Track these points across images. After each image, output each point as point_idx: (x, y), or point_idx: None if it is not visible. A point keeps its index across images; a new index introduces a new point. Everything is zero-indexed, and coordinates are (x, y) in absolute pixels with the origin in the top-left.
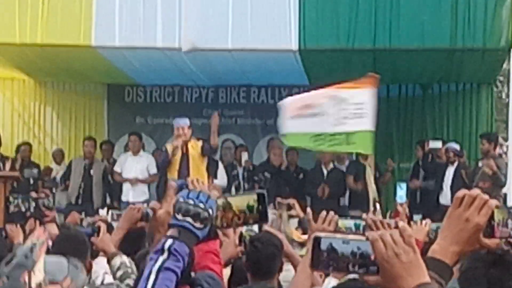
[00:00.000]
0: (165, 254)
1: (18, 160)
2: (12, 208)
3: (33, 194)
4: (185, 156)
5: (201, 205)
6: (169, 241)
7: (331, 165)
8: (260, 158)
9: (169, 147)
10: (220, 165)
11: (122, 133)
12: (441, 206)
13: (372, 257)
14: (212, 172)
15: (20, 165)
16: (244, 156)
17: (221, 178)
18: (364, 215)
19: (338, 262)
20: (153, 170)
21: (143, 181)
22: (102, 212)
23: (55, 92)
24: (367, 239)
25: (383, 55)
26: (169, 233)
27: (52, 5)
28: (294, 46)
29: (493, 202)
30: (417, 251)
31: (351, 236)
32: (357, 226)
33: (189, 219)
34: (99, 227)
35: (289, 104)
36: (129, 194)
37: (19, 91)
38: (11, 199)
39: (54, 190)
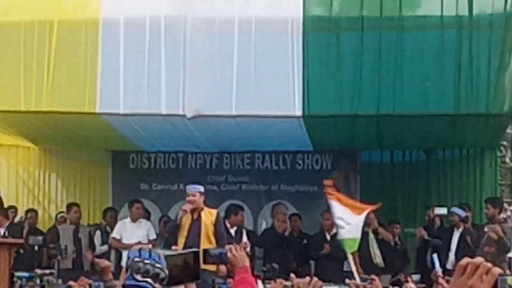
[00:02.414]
0: None
1: (25, 227)
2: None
3: (38, 271)
4: (196, 222)
5: (158, 265)
6: None
7: (334, 230)
8: (264, 224)
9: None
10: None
11: (127, 199)
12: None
13: None
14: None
15: (26, 232)
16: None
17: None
18: (347, 280)
19: None
20: (153, 236)
21: (145, 246)
22: None
23: (60, 159)
24: None
25: (387, 120)
26: None
27: (57, 72)
28: (298, 112)
29: (497, 270)
30: None
31: None
32: None
33: (149, 279)
34: None
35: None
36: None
37: (24, 159)
38: (15, 278)
39: (59, 257)
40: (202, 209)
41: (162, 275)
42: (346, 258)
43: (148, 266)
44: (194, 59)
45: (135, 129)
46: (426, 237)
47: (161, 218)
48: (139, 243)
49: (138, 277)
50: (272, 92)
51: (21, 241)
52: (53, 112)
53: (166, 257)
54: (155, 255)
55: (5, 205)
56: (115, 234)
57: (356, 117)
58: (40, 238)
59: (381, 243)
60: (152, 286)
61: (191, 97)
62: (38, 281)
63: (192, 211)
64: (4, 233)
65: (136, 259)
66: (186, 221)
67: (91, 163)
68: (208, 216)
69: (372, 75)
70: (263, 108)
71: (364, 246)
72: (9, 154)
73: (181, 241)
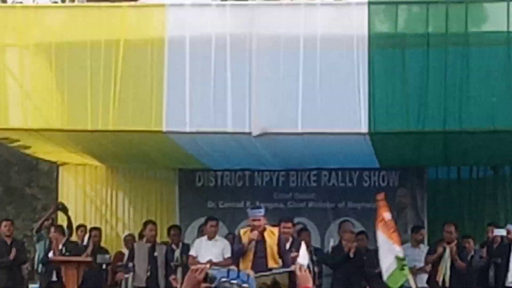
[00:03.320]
0: None
1: (90, 246)
2: None
3: None
4: (261, 244)
5: (245, 285)
6: None
7: None
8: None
9: (242, 233)
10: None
11: (194, 217)
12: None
13: None
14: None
15: (91, 250)
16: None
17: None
18: None
19: None
20: (228, 254)
21: (219, 264)
22: None
23: (127, 177)
24: None
25: (453, 137)
26: None
27: (123, 91)
28: (364, 129)
29: None
30: None
31: None
32: None
33: None
34: None
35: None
36: None
37: (91, 177)
38: None
39: (126, 276)
40: (264, 229)
41: None
42: None
43: (235, 287)
44: (260, 77)
45: (201, 147)
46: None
47: (227, 235)
48: (210, 261)
49: None
50: (338, 109)
51: (89, 259)
52: (119, 131)
53: (258, 277)
54: (243, 276)
55: (74, 223)
56: (192, 252)
57: (423, 134)
58: (107, 256)
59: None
60: None
61: (257, 115)
62: None
63: (251, 240)
64: (61, 250)
65: (223, 279)
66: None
67: (158, 181)
68: (271, 235)
69: (438, 92)
70: (329, 125)
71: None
72: (76, 172)
73: (247, 264)
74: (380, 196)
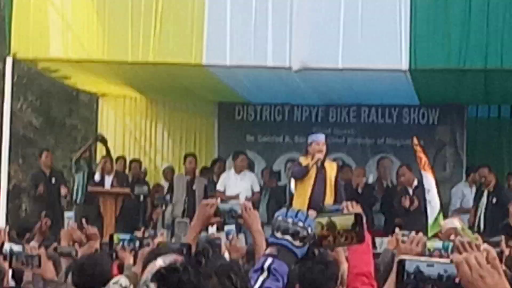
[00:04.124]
0: (265, 274)
1: (129, 177)
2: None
3: (138, 234)
4: (321, 173)
5: (300, 224)
6: (269, 260)
7: (415, 183)
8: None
9: (302, 160)
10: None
11: (233, 151)
12: None
13: (457, 280)
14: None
15: (131, 182)
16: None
17: None
18: (452, 237)
19: (425, 285)
20: (257, 188)
21: (248, 198)
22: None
23: (166, 110)
24: (452, 261)
25: (494, 75)
26: (267, 251)
27: (164, 23)
28: (405, 65)
29: None
30: (502, 273)
31: (435, 259)
32: (445, 248)
33: (288, 237)
34: (39, 257)
35: None
36: None
37: (131, 109)
38: (115, 239)
39: (163, 208)
40: (324, 159)
41: (303, 233)
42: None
43: (289, 225)
44: (301, 11)
45: (241, 80)
46: None
47: (263, 170)
48: (237, 196)
49: (278, 234)
50: (379, 45)
51: (127, 190)
52: (160, 63)
53: (331, 219)
54: (301, 215)
55: (113, 155)
56: (219, 186)
57: (464, 71)
58: (145, 188)
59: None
60: (291, 243)
61: (297, 50)
62: (137, 243)
63: (317, 161)
64: (112, 182)
65: (279, 218)
66: (312, 171)
67: (197, 114)
68: (331, 168)
69: (480, 29)
70: (370, 61)
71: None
72: (116, 104)
73: (305, 191)
74: (416, 140)
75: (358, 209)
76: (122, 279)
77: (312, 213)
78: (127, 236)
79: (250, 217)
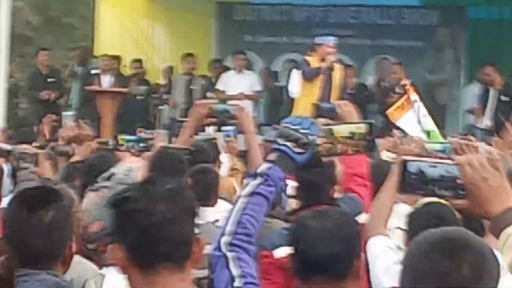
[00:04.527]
0: (258, 179)
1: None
2: (121, 148)
3: (142, 135)
4: (328, 77)
5: (303, 130)
6: (265, 166)
7: (404, 81)
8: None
9: (310, 59)
10: None
11: (231, 51)
12: None
13: (460, 181)
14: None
15: (129, 82)
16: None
17: None
18: (449, 138)
19: (427, 185)
20: (257, 87)
21: (249, 97)
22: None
23: (165, 9)
24: (454, 163)
25: None
26: (269, 157)
27: None
28: None
29: None
30: (504, 175)
31: (437, 160)
32: (443, 150)
33: (289, 143)
34: (36, 156)
35: None
36: None
37: (129, 8)
38: (121, 141)
39: (161, 108)
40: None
41: (304, 140)
42: None
43: (291, 131)
44: None
45: None
46: None
47: (263, 69)
48: (241, 94)
49: (280, 140)
50: None
51: (125, 90)
52: None
53: (330, 127)
54: (306, 122)
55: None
56: (219, 85)
57: None
58: (143, 88)
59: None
60: (291, 149)
61: None
62: (144, 144)
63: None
64: (113, 82)
65: (284, 124)
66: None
67: (196, 13)
68: (338, 70)
69: None
70: None
71: None
72: (114, 3)
73: (312, 92)
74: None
75: (351, 108)
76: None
77: (322, 120)
78: (133, 138)
79: (243, 118)
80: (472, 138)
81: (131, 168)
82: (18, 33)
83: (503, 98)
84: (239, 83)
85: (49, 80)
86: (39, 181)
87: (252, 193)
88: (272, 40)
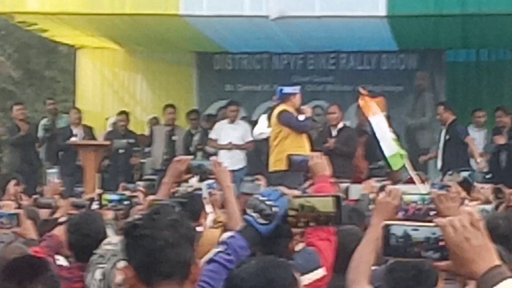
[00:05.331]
0: (220, 247)
1: (116, 130)
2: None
3: (127, 193)
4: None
5: (268, 202)
6: (229, 234)
7: (340, 125)
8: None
9: (305, 111)
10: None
11: (212, 101)
12: None
13: (443, 243)
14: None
15: (118, 134)
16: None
17: None
18: (430, 189)
19: (412, 248)
20: (249, 138)
21: (240, 147)
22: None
23: (145, 61)
24: (436, 225)
25: (472, 20)
26: (237, 227)
27: None
28: (382, 12)
29: None
30: (486, 235)
31: (420, 223)
32: (423, 200)
33: (254, 214)
34: (18, 215)
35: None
36: (226, 162)
37: (109, 60)
38: (104, 200)
39: (143, 161)
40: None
41: (267, 211)
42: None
43: (257, 202)
44: None
45: (219, 30)
46: (502, 142)
47: (243, 118)
48: (230, 144)
49: (248, 211)
50: None
51: (107, 143)
52: (137, 14)
53: (307, 200)
54: (274, 194)
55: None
56: (212, 135)
57: (441, 17)
58: (124, 141)
59: None
60: (255, 220)
61: None
62: (127, 202)
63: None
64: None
65: (255, 195)
66: None
67: (176, 64)
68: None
69: None
70: (347, 8)
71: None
72: (95, 56)
73: (303, 139)
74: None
75: (322, 159)
76: (113, 238)
77: (291, 192)
78: (116, 197)
79: (219, 173)
80: (453, 188)
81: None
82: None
83: (446, 136)
84: (231, 133)
85: (26, 134)
86: (22, 243)
87: (210, 260)
88: (252, 89)
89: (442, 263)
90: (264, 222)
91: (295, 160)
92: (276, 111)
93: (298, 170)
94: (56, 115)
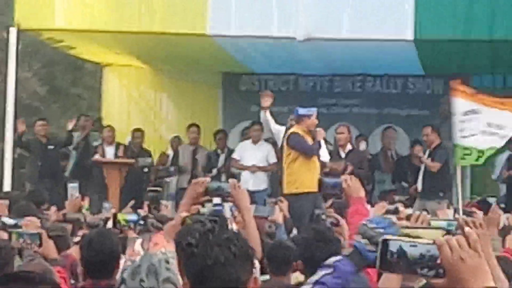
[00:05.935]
0: (325, 269)
1: (130, 147)
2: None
3: (142, 212)
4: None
5: (377, 230)
6: (335, 258)
7: (348, 147)
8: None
9: (300, 132)
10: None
11: (237, 121)
12: None
13: (439, 261)
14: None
15: (133, 152)
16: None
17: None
18: (456, 215)
19: (408, 264)
20: (273, 160)
21: (263, 169)
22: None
23: (171, 80)
24: (434, 242)
25: (500, 45)
26: (345, 252)
27: None
28: (410, 36)
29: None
30: (482, 256)
31: (419, 240)
32: (449, 226)
33: (362, 240)
34: (40, 235)
35: None
36: (248, 182)
37: (136, 79)
38: (121, 220)
39: (167, 180)
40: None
41: (377, 238)
42: None
43: (365, 228)
44: None
45: (246, 50)
46: None
47: (268, 139)
48: (254, 165)
49: (357, 237)
50: (383, 15)
51: (131, 161)
52: (165, 33)
53: (406, 227)
54: (382, 221)
55: (117, 125)
56: (235, 155)
57: (469, 42)
58: (149, 159)
59: None
60: (363, 246)
61: (302, 20)
62: (142, 222)
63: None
64: (116, 154)
65: (364, 222)
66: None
67: (202, 84)
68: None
69: None
70: (375, 31)
71: None
72: (121, 74)
73: (315, 163)
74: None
75: (357, 183)
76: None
77: (403, 223)
78: (133, 217)
79: (238, 194)
80: (477, 213)
81: (167, 257)
82: (25, 103)
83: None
84: (254, 154)
85: (49, 147)
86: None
87: (316, 282)
88: (278, 110)
89: (438, 281)
90: (373, 249)
91: (328, 183)
92: (287, 133)
93: (330, 193)
94: (89, 132)
